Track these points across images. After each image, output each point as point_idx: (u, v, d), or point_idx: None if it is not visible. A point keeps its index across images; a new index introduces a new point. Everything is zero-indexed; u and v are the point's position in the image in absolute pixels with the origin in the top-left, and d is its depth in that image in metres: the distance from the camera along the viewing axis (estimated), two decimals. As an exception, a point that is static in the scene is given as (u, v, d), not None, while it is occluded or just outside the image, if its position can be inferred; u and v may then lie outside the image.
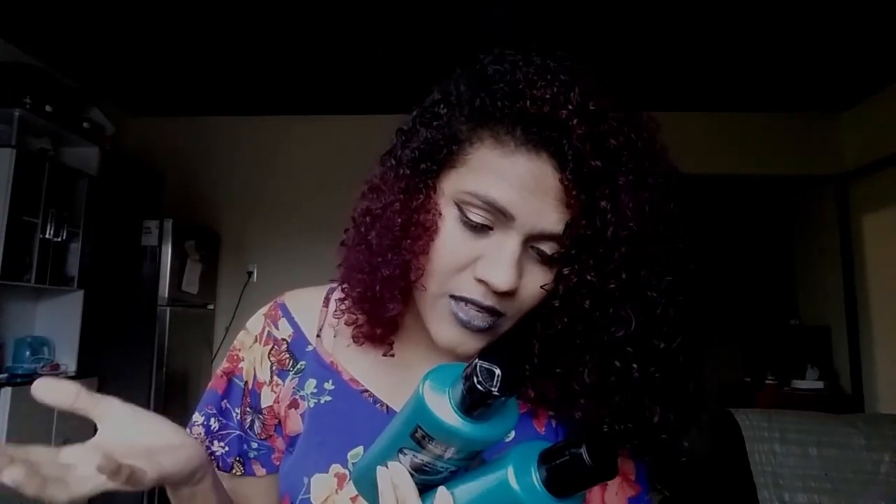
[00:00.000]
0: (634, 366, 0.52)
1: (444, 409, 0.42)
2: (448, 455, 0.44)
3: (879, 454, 2.02)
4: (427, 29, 3.10)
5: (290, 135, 4.37)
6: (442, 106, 0.57)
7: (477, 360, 0.40)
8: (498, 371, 0.40)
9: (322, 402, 0.62)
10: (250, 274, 4.25)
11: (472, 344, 0.55)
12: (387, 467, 0.47)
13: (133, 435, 0.48)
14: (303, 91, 3.99)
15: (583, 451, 0.38)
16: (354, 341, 0.63)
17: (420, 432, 0.43)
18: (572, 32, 3.12)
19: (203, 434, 0.65)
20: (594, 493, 0.59)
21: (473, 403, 0.41)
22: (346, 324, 0.64)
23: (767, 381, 4.32)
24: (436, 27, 3.07)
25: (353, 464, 0.59)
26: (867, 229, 3.93)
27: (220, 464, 0.64)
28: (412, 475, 0.46)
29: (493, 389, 0.39)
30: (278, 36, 3.25)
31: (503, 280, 0.51)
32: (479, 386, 0.39)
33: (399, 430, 0.46)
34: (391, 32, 3.18)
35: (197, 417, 0.65)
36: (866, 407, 3.83)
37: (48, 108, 3.23)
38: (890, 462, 2.00)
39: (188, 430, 0.64)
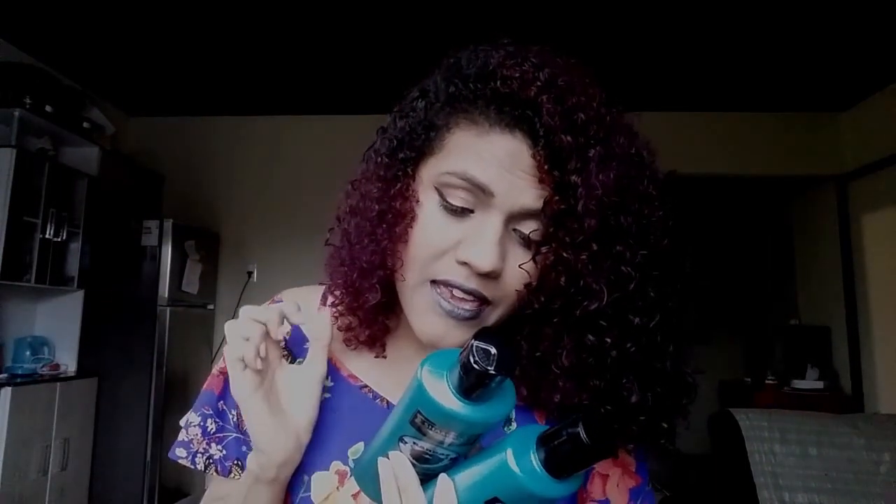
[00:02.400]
0: (608, 341, 0.51)
1: (442, 392, 0.42)
2: (448, 441, 0.44)
3: (879, 454, 2.02)
4: (427, 28, 3.10)
5: (290, 135, 4.37)
6: (420, 100, 0.58)
7: (473, 341, 0.41)
8: (494, 350, 0.40)
9: (322, 398, 0.62)
10: (250, 274, 4.25)
11: (456, 335, 0.54)
12: (388, 458, 0.47)
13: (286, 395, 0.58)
14: (303, 91, 3.99)
15: (580, 430, 0.39)
16: (347, 345, 0.64)
17: (420, 418, 0.44)
18: (571, 32, 3.12)
19: (200, 436, 0.64)
20: (596, 484, 0.59)
21: (471, 385, 0.41)
22: (338, 328, 0.64)
23: (767, 381, 4.32)
24: (436, 27, 3.07)
25: (353, 460, 0.59)
26: (867, 229, 3.93)
27: (219, 468, 0.63)
28: (413, 464, 0.46)
29: (489, 368, 0.40)
30: (278, 36, 3.26)
31: (485, 260, 0.51)
32: (475, 366, 0.40)
33: (399, 418, 0.46)
34: (391, 32, 3.18)
35: (193, 418, 0.64)
36: (866, 407, 3.83)
37: (48, 108, 3.23)
38: (890, 462, 2.00)
39: (184, 430, 0.64)
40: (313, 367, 0.58)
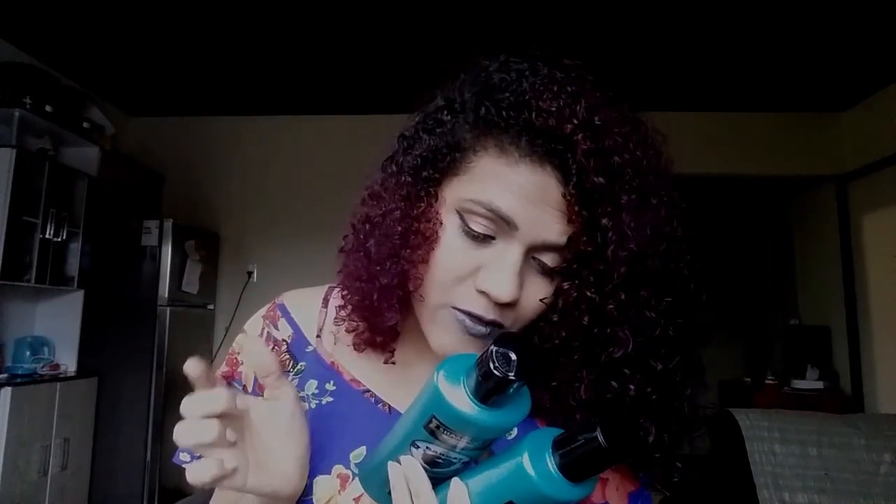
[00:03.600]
0: (631, 386, 0.52)
1: (459, 397, 0.42)
2: (461, 445, 0.44)
3: (879, 454, 2.02)
4: (427, 28, 3.10)
5: (290, 135, 4.37)
6: (446, 112, 0.56)
7: (492, 346, 0.40)
8: (514, 356, 0.40)
9: (324, 402, 0.62)
10: (250, 274, 4.25)
11: (471, 351, 0.55)
12: (399, 462, 0.47)
13: (267, 432, 0.51)
14: (303, 91, 3.99)
15: (598, 433, 0.39)
16: (355, 348, 0.63)
17: (435, 422, 0.43)
18: (572, 32, 3.12)
19: None
20: (595, 488, 0.59)
21: (490, 390, 0.41)
22: (346, 331, 0.63)
23: (767, 381, 4.32)
24: (436, 26, 3.07)
25: (356, 464, 0.59)
26: (867, 229, 3.93)
27: None
28: (425, 469, 0.46)
29: (509, 374, 0.39)
30: (278, 36, 3.25)
31: (504, 291, 0.51)
32: (495, 371, 0.40)
33: (413, 422, 0.46)
34: (390, 33, 3.18)
35: None
36: (866, 407, 3.83)
37: (48, 108, 3.23)
38: (890, 462, 2.00)
39: None
40: (279, 404, 0.52)
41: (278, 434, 0.52)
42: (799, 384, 4.17)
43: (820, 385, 4.10)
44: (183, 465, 0.63)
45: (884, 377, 3.76)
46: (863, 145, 3.86)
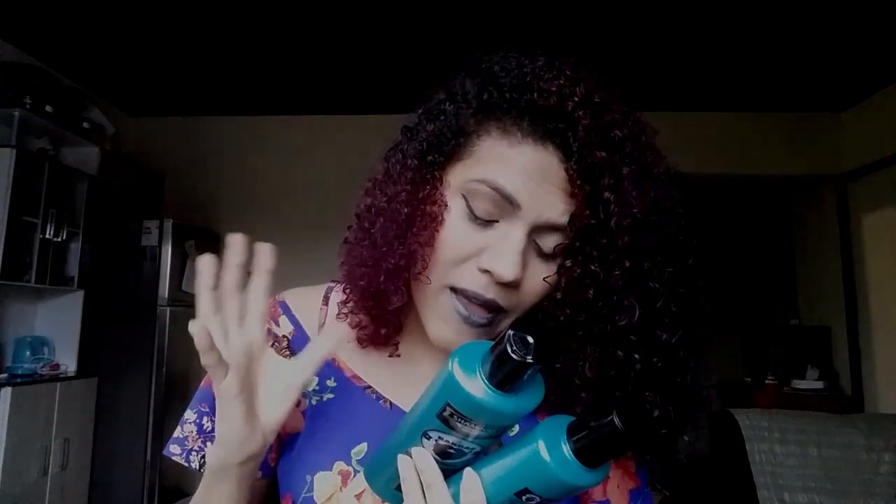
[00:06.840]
0: (637, 356, 0.52)
1: (475, 384, 0.42)
2: (475, 433, 0.44)
3: (879, 454, 2.02)
4: (428, 29, 3.10)
5: (290, 135, 4.37)
6: (448, 103, 0.58)
7: (509, 331, 0.41)
8: (531, 339, 0.40)
9: (324, 399, 0.62)
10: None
11: (467, 341, 0.54)
12: (409, 455, 0.47)
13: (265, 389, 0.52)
14: (303, 91, 3.99)
15: (614, 416, 0.39)
16: (359, 344, 0.63)
17: (449, 410, 0.43)
18: (572, 33, 3.12)
19: (195, 433, 0.63)
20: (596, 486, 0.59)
21: (507, 375, 0.41)
22: (349, 327, 0.63)
23: (767, 381, 4.31)
24: (437, 27, 3.07)
25: (357, 461, 0.59)
26: (867, 229, 3.93)
27: None
28: (436, 460, 0.46)
29: (528, 357, 0.40)
30: (278, 36, 3.25)
31: (507, 270, 0.51)
32: (513, 355, 0.40)
33: (425, 412, 0.45)
34: (390, 33, 3.18)
35: (189, 415, 0.64)
36: (866, 407, 3.83)
37: (48, 108, 3.23)
38: (890, 462, 2.00)
39: (180, 426, 0.63)
40: (300, 374, 0.52)
41: (273, 397, 0.51)
42: (799, 384, 4.17)
43: (820, 385, 4.10)
44: (173, 458, 0.63)
45: (884, 377, 3.76)
46: (863, 145, 3.86)
